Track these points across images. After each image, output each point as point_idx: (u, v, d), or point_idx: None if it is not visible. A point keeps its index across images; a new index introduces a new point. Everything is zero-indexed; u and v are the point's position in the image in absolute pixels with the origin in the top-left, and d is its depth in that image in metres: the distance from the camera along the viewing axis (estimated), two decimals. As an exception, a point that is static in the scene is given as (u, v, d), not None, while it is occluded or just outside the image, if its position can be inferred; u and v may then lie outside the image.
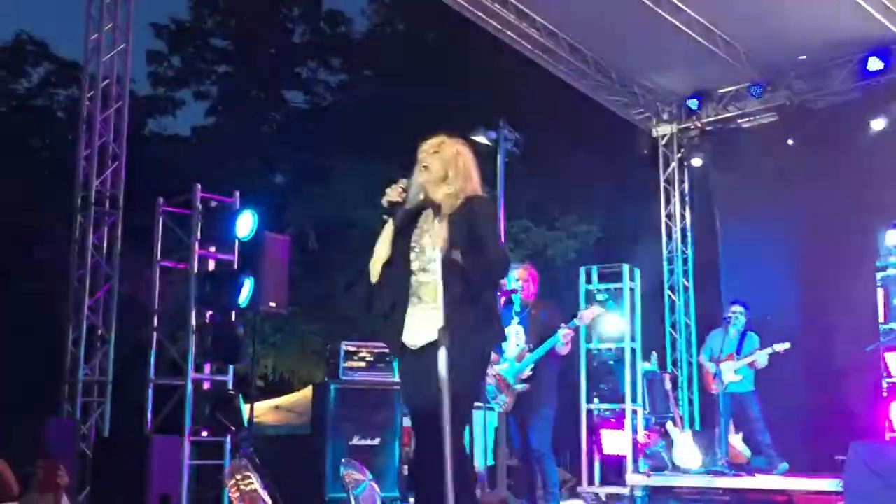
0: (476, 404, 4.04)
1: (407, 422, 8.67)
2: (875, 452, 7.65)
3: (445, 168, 3.94)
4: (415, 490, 3.87)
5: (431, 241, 3.80)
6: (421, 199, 3.92)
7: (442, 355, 3.37)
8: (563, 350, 6.59)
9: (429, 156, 3.96)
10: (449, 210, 3.84)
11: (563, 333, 6.50)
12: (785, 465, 8.74)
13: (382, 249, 3.93)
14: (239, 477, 5.22)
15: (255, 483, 5.19)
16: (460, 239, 3.77)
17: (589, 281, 9.87)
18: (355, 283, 4.01)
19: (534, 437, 6.50)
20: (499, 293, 4.24)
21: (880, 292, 8.87)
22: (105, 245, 8.14)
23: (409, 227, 3.93)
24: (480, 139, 9.69)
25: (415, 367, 3.82)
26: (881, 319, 8.83)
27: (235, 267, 7.94)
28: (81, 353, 7.84)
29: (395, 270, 3.92)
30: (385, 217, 3.91)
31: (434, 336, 3.50)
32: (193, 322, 7.61)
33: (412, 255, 3.90)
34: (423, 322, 3.78)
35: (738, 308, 9.23)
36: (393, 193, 3.85)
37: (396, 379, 8.68)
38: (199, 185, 7.82)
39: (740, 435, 9.34)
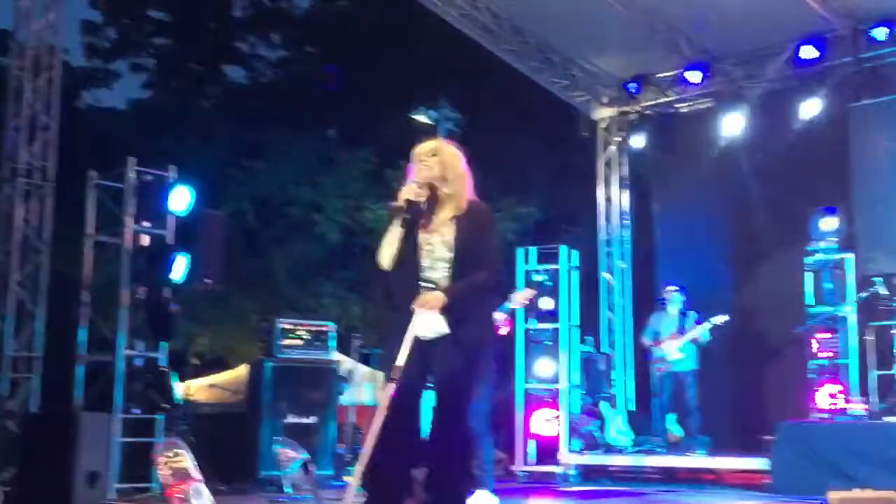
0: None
1: (344, 400, 8.68)
2: (801, 432, 7.85)
3: (444, 170, 4.13)
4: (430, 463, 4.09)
5: (442, 241, 4.05)
6: (422, 199, 4.09)
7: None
8: (502, 331, 6.64)
9: (427, 158, 4.15)
10: (453, 212, 4.09)
11: (497, 317, 6.53)
12: (703, 452, 8.93)
13: (392, 244, 4.08)
14: (170, 454, 5.16)
15: (187, 460, 5.14)
16: (469, 241, 4.04)
17: (527, 262, 9.92)
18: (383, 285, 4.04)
19: (471, 416, 6.52)
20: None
21: (809, 276, 9.07)
22: (35, 218, 7.94)
23: (414, 226, 4.09)
24: (421, 118, 9.70)
25: (429, 353, 3.99)
26: (810, 303, 9.04)
27: (170, 243, 7.81)
28: (10, 328, 7.65)
29: (406, 266, 4.07)
30: (390, 211, 4.10)
31: (445, 329, 3.92)
32: (126, 298, 7.48)
33: (423, 253, 4.07)
34: (434, 315, 3.96)
35: (672, 288, 9.41)
36: (410, 192, 4.05)
37: (333, 357, 8.66)
38: (133, 159, 7.68)
39: (674, 416, 9.54)
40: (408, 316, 3.98)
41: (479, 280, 4.04)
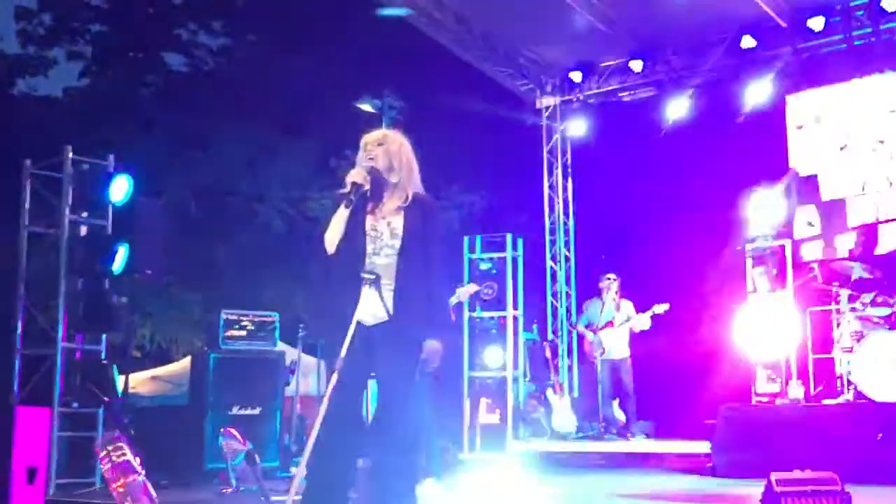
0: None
1: (289, 391, 8.62)
2: (742, 416, 7.98)
3: (390, 160, 4.15)
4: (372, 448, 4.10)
5: (388, 228, 4.07)
6: (367, 187, 4.09)
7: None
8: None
9: (374, 147, 4.17)
10: (400, 202, 4.12)
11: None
12: (643, 436, 9.05)
13: (339, 227, 4.07)
14: (111, 448, 5.07)
15: (128, 454, 5.05)
16: (416, 232, 4.07)
17: (473, 250, 9.94)
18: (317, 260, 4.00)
19: (416, 405, 6.51)
20: None
21: (749, 262, 9.22)
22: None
23: (360, 210, 4.08)
24: (365, 107, 9.64)
25: (372, 341, 3.99)
26: (750, 288, 9.19)
27: (109, 233, 7.67)
28: (-57, 321, 7.45)
29: (349, 250, 4.06)
30: (342, 196, 4.07)
31: (384, 314, 3.95)
32: (64, 289, 7.33)
33: (368, 239, 4.07)
34: (377, 300, 3.96)
35: (611, 276, 9.51)
36: (358, 176, 4.05)
37: (277, 348, 8.60)
38: (69, 147, 7.51)
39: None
40: (347, 300, 3.95)
41: (434, 284, 4.10)
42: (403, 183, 4.15)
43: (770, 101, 10.06)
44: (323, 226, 4.14)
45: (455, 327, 6.70)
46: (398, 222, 4.09)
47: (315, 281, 4.27)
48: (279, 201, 15.63)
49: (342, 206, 4.05)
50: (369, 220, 4.09)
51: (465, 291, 7.01)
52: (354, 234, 4.07)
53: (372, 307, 3.95)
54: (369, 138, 4.23)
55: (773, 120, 10.06)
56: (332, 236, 4.08)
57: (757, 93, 10.11)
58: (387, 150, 4.16)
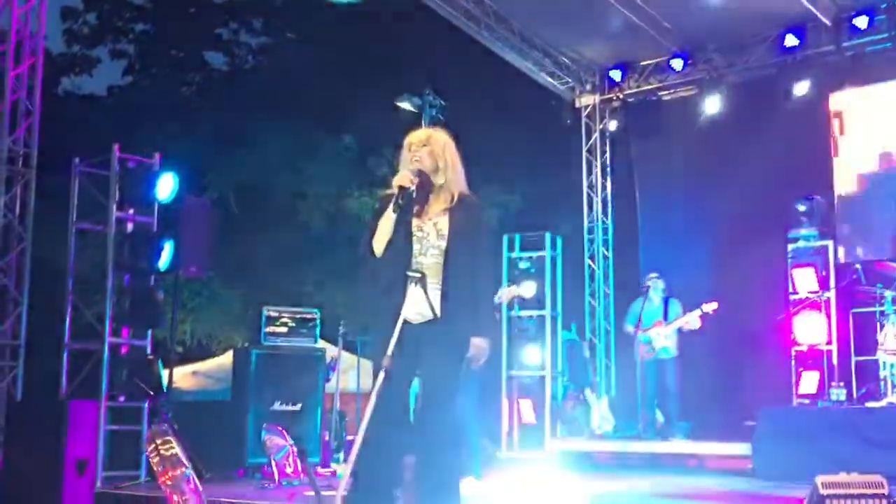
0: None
1: (329, 388, 8.69)
2: (783, 417, 7.93)
3: (435, 161, 4.17)
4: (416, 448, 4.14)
5: (435, 228, 4.10)
6: (414, 187, 4.10)
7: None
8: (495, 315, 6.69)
9: (419, 149, 4.19)
10: (446, 204, 4.13)
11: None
12: (683, 437, 9.00)
13: (386, 230, 4.10)
14: (159, 442, 5.15)
15: (177, 448, 5.14)
16: (460, 231, 4.09)
17: (512, 249, 9.96)
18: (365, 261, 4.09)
19: (459, 404, 6.53)
20: None
21: (791, 263, 9.17)
22: (18, 205, 7.89)
23: (407, 212, 4.11)
24: (405, 106, 9.67)
25: (418, 340, 4.03)
26: (791, 289, 9.13)
27: (155, 230, 7.79)
28: (-7, 316, 7.61)
29: (397, 251, 4.10)
30: (387, 198, 4.11)
31: (429, 313, 3.99)
32: (111, 285, 7.46)
33: (415, 239, 4.10)
34: (423, 299, 3.99)
35: (654, 275, 9.45)
36: (404, 180, 4.07)
37: (318, 345, 8.68)
38: (117, 146, 7.64)
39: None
40: (396, 299, 3.99)
41: (474, 287, 4.10)
42: (449, 183, 4.17)
43: (813, 100, 9.96)
44: (370, 229, 4.16)
45: (496, 326, 6.72)
46: (444, 223, 4.11)
47: (363, 282, 4.30)
48: (319, 198, 15.72)
49: (390, 210, 4.07)
50: (415, 222, 4.13)
51: (506, 293, 7.00)
52: (401, 236, 4.10)
53: (418, 306, 3.99)
54: (413, 138, 4.24)
55: (815, 118, 9.96)
56: (380, 239, 4.12)
57: (800, 91, 10.02)
58: (431, 150, 4.18)
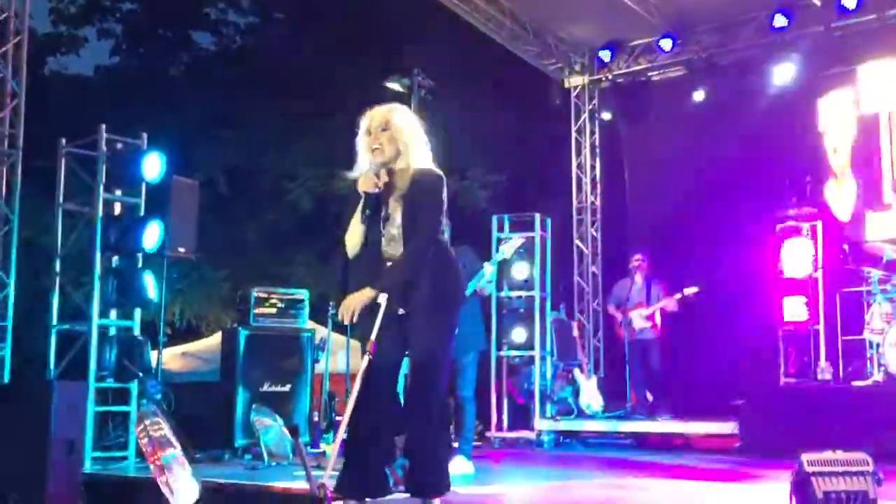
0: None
1: (318, 369, 8.70)
2: (770, 396, 7.99)
3: (396, 146, 4.05)
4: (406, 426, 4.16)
5: (395, 221, 4.04)
6: (379, 179, 4.02)
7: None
8: (486, 290, 6.68)
9: (378, 134, 4.05)
10: (402, 189, 4.03)
11: (487, 269, 6.55)
12: (668, 416, 9.05)
13: (357, 233, 4.08)
14: (148, 422, 5.15)
15: (165, 429, 5.14)
16: (411, 215, 4.00)
17: (501, 229, 9.96)
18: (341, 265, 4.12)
19: (457, 382, 6.55)
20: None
21: (780, 242, 9.21)
22: (3, 186, 7.84)
23: (376, 212, 4.06)
24: (394, 86, 9.60)
25: (402, 323, 4.04)
26: (779, 269, 9.17)
27: (142, 211, 7.76)
28: (-20, 297, 7.58)
29: (369, 253, 4.09)
30: (363, 197, 4.04)
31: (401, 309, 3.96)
32: (98, 267, 7.43)
33: (383, 242, 4.06)
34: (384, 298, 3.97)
35: (638, 257, 9.51)
36: (369, 184, 4.00)
37: (307, 326, 8.68)
38: (104, 126, 7.60)
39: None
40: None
41: (410, 255, 3.99)
42: (409, 165, 4.07)
43: (802, 80, 9.97)
44: (343, 227, 4.12)
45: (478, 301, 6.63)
46: (399, 213, 4.05)
47: (340, 272, 4.29)
48: (307, 179, 15.68)
49: (358, 219, 4.02)
50: (384, 222, 4.07)
51: (509, 247, 6.94)
52: (372, 237, 4.07)
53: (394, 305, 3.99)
54: (372, 122, 4.09)
55: (804, 99, 9.97)
56: (353, 244, 4.09)
57: (789, 71, 10.02)
58: (391, 136, 4.05)
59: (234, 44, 19.94)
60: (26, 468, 6.01)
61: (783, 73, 10.01)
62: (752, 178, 10.01)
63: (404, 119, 4.12)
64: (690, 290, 9.07)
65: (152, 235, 7.41)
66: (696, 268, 9.94)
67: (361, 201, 4.02)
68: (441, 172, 4.15)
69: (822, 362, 8.44)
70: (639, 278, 9.48)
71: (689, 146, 10.75)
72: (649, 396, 9.44)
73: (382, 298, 3.93)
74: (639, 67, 11.49)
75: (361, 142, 4.11)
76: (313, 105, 15.89)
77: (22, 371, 7.78)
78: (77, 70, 19.01)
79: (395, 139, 4.05)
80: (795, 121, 9.94)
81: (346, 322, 4.00)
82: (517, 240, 7.23)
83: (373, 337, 3.86)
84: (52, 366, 7.43)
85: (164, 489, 5.03)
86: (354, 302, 3.98)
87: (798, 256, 9.12)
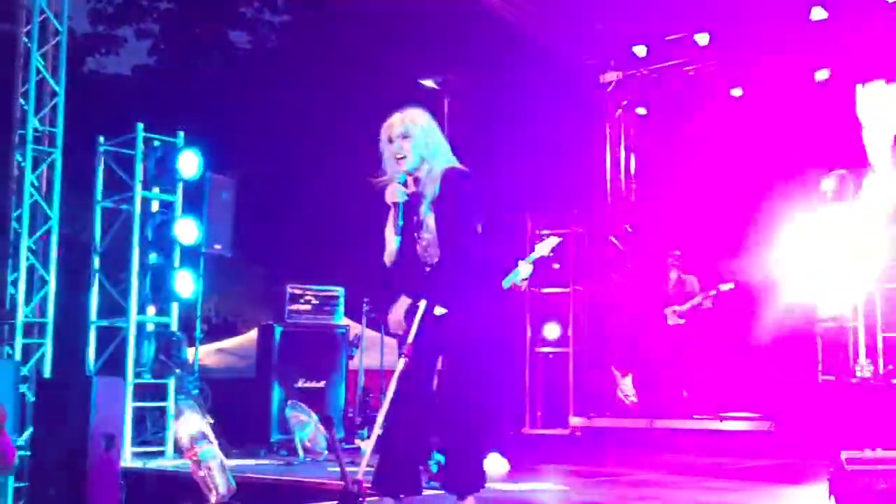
0: None
1: (353, 365, 8.74)
2: (808, 394, 7.90)
3: (420, 154, 4.02)
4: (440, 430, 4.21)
5: (428, 228, 4.01)
6: (408, 197, 4.01)
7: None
8: (524, 285, 6.65)
9: (401, 141, 4.02)
10: (432, 194, 4.00)
11: (523, 267, 6.53)
12: (703, 415, 8.95)
13: (392, 242, 4.05)
14: (185, 418, 5.21)
15: (202, 424, 5.20)
16: (442, 218, 3.97)
17: (536, 226, 9.94)
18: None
19: (485, 382, 6.52)
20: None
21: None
22: (44, 185, 7.96)
23: (408, 220, 4.04)
24: (427, 83, 9.63)
25: (439, 325, 4.02)
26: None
27: (179, 208, 7.84)
28: (21, 294, 7.70)
29: (407, 261, 4.06)
30: (379, 183, 4.04)
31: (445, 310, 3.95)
32: (136, 263, 7.52)
33: (419, 249, 4.05)
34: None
35: (675, 253, 9.43)
36: (397, 195, 3.97)
37: (342, 322, 8.72)
38: (141, 125, 7.69)
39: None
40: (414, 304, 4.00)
41: (448, 259, 3.99)
42: (435, 168, 4.04)
43: (840, 72, 9.82)
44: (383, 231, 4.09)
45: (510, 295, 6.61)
46: (432, 219, 4.02)
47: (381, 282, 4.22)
48: (343, 176, 15.73)
49: (392, 230, 4.00)
50: (416, 218, 4.05)
51: (546, 246, 6.91)
52: (407, 242, 4.04)
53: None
54: (392, 131, 4.05)
55: (842, 91, 9.83)
56: (389, 252, 4.06)
57: (826, 64, 9.88)
58: (412, 144, 4.01)
59: (268, 42, 20.07)
60: (67, 462, 6.11)
61: (820, 66, 9.87)
62: (788, 172, 9.88)
63: (423, 124, 4.09)
64: (726, 287, 8.99)
65: (189, 232, 7.49)
66: (732, 264, 9.85)
67: (391, 212, 4.00)
68: (467, 169, 4.14)
69: (862, 359, 8.32)
70: (674, 274, 9.40)
71: (724, 140, 10.64)
72: (685, 393, 9.37)
73: (422, 302, 3.93)
74: (674, 62, 11.38)
75: (385, 151, 4.09)
76: (348, 101, 15.95)
77: (62, 366, 7.89)
78: (116, 69, 19.27)
79: (418, 145, 4.03)
80: (834, 115, 9.80)
81: (400, 332, 3.99)
82: (553, 238, 7.18)
83: (409, 339, 3.87)
84: (91, 361, 7.53)
85: (201, 483, 5.09)
86: (399, 313, 4.00)
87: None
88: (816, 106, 9.86)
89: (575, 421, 9.31)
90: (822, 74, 9.92)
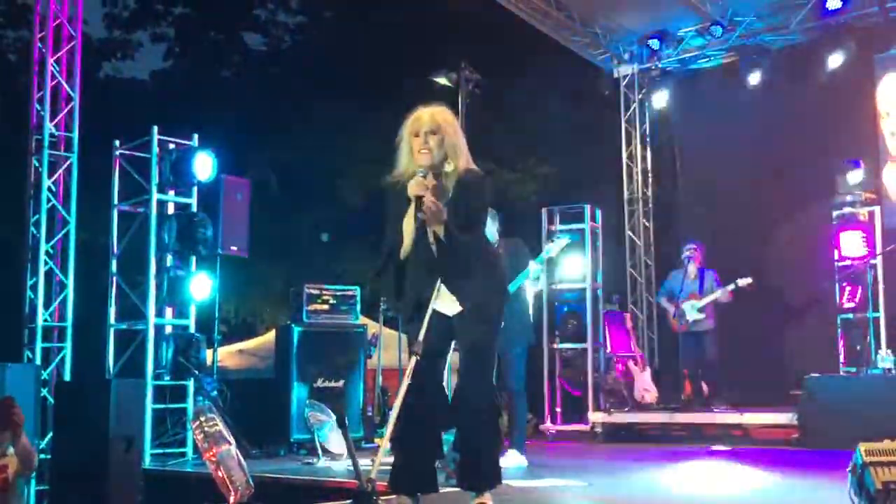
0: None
1: (371, 364, 8.75)
2: (828, 385, 7.85)
3: (445, 151, 4.00)
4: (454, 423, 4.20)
5: (444, 232, 3.95)
6: (430, 190, 3.95)
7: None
8: (534, 286, 6.64)
9: (429, 137, 4.00)
10: (449, 192, 3.99)
11: (532, 267, 6.52)
12: (725, 408, 8.89)
13: (410, 233, 4.01)
14: (204, 419, 5.23)
15: (220, 425, 5.21)
16: (457, 221, 3.94)
17: (551, 222, 9.92)
18: (382, 271, 4.07)
19: (507, 376, 6.53)
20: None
21: (837, 228, 9.03)
22: (61, 189, 8.01)
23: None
24: (441, 80, 9.62)
25: (452, 324, 4.04)
26: (836, 257, 8.99)
27: (195, 210, 7.87)
28: (40, 298, 7.76)
29: (421, 256, 4.03)
30: (392, 184, 4.04)
31: (458, 308, 3.98)
32: (153, 266, 7.56)
33: (433, 245, 4.01)
34: (449, 297, 3.99)
35: (693, 246, 9.34)
36: (418, 188, 3.91)
37: (359, 322, 8.73)
38: (156, 128, 7.72)
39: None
40: (422, 292, 3.99)
41: (459, 256, 3.97)
42: (456, 169, 4.02)
43: (857, 63, 9.75)
44: (394, 231, 4.06)
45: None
46: (445, 219, 3.95)
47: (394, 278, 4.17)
48: (358, 175, 15.76)
49: (412, 222, 3.95)
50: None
51: (556, 246, 6.90)
52: (421, 239, 4.01)
53: (447, 301, 3.99)
54: (422, 125, 4.01)
55: (860, 82, 9.76)
56: (406, 244, 4.03)
57: (843, 55, 9.80)
58: (440, 141, 3.99)
59: (283, 43, 20.13)
60: (88, 464, 6.15)
61: (837, 57, 9.79)
62: (806, 165, 9.83)
63: (451, 122, 4.09)
64: (744, 282, 8.89)
65: (205, 234, 7.52)
66: (750, 256, 9.80)
67: (412, 204, 3.97)
68: (483, 172, 4.13)
69: (883, 350, 8.25)
70: (692, 268, 9.32)
71: (740, 133, 10.59)
72: (705, 388, 9.31)
73: (433, 300, 3.92)
74: (688, 55, 11.34)
75: (406, 144, 4.06)
76: (362, 102, 15.97)
77: (82, 370, 7.94)
78: (131, 73, 19.38)
79: (444, 142, 4.00)
80: (851, 105, 9.73)
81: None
82: (564, 240, 7.16)
83: (420, 337, 3.86)
84: (110, 364, 7.58)
85: (220, 484, 5.10)
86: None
87: (855, 243, 8.93)
88: (834, 96, 9.78)
89: (594, 416, 9.28)
90: (836, 61, 9.83)
